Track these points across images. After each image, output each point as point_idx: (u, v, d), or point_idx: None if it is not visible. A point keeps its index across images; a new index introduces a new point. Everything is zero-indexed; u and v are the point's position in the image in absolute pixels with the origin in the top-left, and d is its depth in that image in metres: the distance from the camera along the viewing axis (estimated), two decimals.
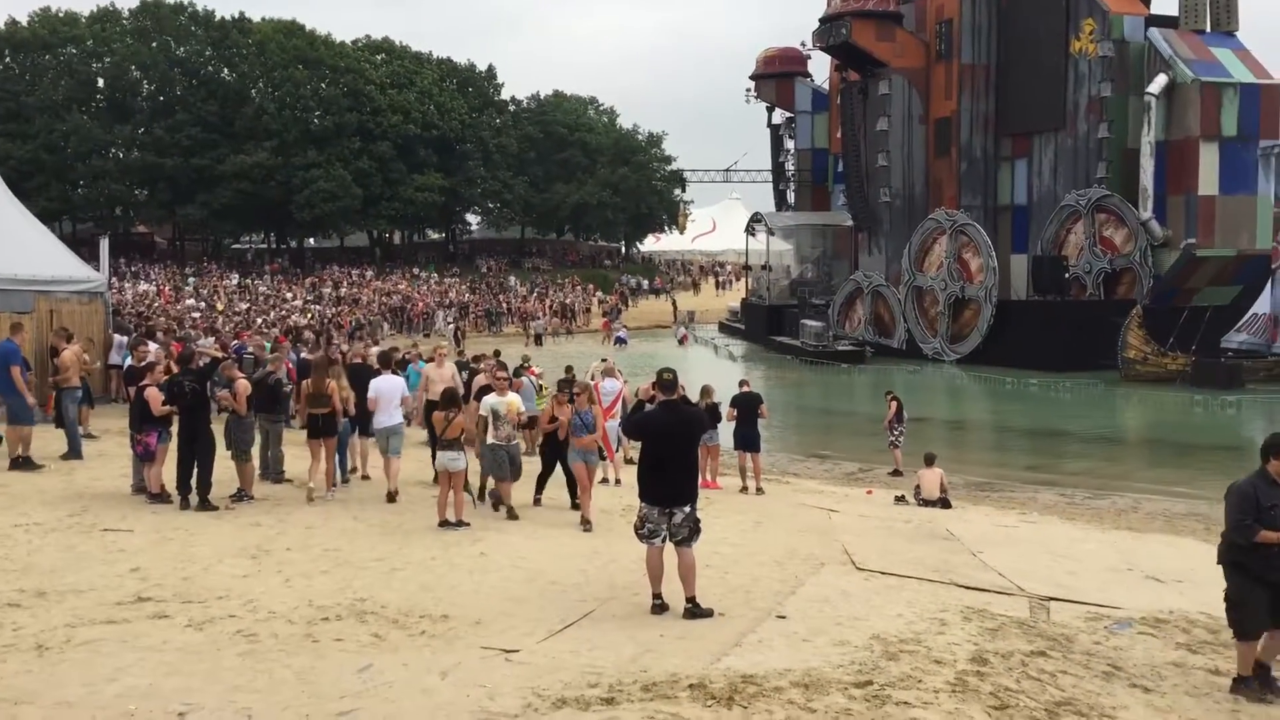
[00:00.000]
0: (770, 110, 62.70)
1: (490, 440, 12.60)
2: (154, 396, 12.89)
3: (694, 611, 8.48)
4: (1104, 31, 41.58)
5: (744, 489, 16.96)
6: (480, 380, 15.24)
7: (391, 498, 13.46)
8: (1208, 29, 41.40)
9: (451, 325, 54.52)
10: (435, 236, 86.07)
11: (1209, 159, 39.28)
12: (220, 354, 18.83)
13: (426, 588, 9.06)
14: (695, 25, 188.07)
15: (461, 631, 7.70)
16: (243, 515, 12.27)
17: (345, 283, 66.40)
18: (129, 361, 17.07)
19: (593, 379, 18.61)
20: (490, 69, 79.57)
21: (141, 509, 12.29)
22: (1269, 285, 37.12)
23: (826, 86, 58.19)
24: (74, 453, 15.78)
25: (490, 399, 12.75)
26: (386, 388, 13.88)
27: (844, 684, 6.53)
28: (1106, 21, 41.60)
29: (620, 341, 53.12)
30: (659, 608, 8.59)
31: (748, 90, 62.51)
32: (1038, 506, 18.08)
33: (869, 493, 18.58)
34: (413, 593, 8.82)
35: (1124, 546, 13.67)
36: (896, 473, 21.31)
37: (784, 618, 8.56)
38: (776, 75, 60.24)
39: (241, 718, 5.58)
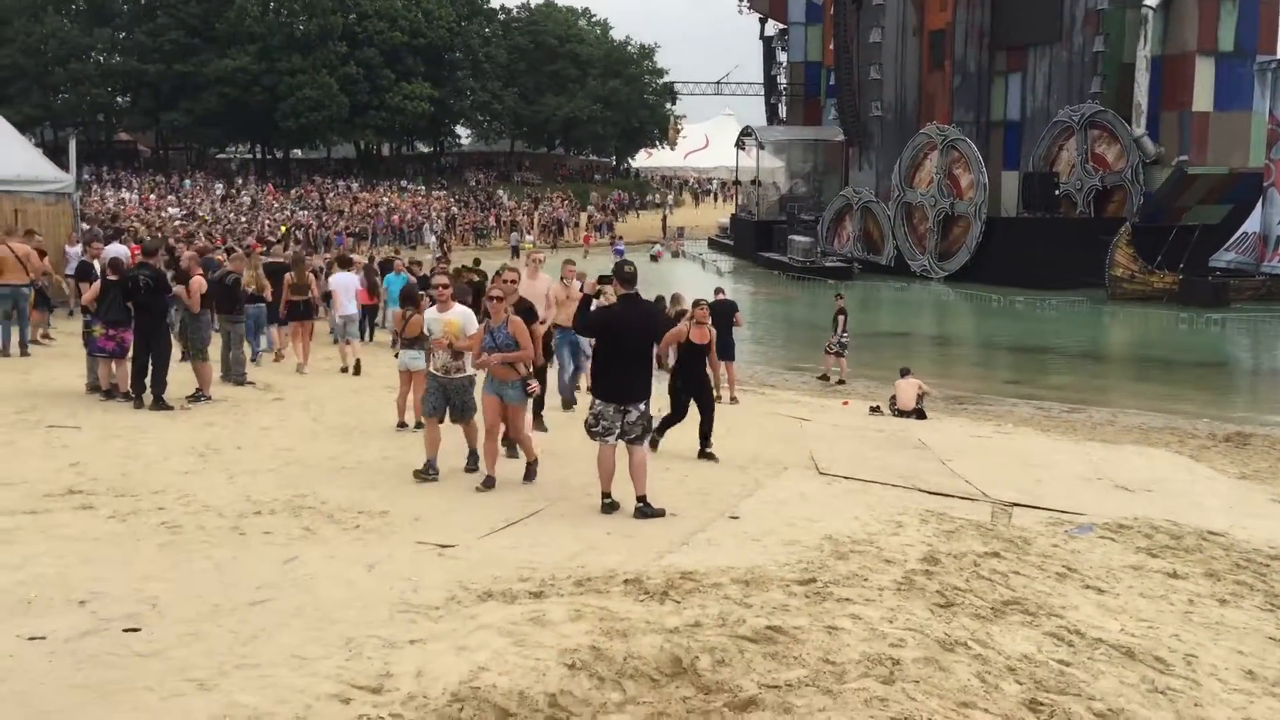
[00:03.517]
0: (763, 22, 61.44)
1: (430, 369, 9.91)
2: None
3: (644, 511, 8.28)
4: None
5: (718, 398, 16.68)
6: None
7: (356, 369, 15.40)
8: None
9: (434, 238, 53.93)
10: (424, 149, 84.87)
11: (1204, 74, 38.54)
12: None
13: (372, 485, 8.85)
14: None
15: (398, 527, 7.50)
16: (198, 415, 12.02)
17: (331, 194, 65.63)
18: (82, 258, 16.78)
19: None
20: None
21: (93, 407, 12.03)
22: (1260, 204, 36.66)
23: None
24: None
25: (429, 314, 10.00)
26: (343, 283, 14.95)
27: (786, 581, 6.33)
28: None
29: (619, 254, 52.69)
30: (609, 507, 8.39)
31: (740, 1, 61.20)
32: (1014, 419, 17.93)
33: (845, 404, 18.42)
34: (357, 489, 8.61)
35: (1096, 457, 13.51)
36: (841, 382, 21.53)
37: (736, 518, 8.37)
38: None
39: (145, 606, 5.36)
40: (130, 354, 12.44)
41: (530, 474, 9.43)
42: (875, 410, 17.18)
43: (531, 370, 9.50)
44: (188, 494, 8.10)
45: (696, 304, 12.24)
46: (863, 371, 22.73)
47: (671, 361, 11.92)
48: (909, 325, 33.13)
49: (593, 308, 8.86)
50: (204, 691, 4.39)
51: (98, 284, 12.57)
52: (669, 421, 11.50)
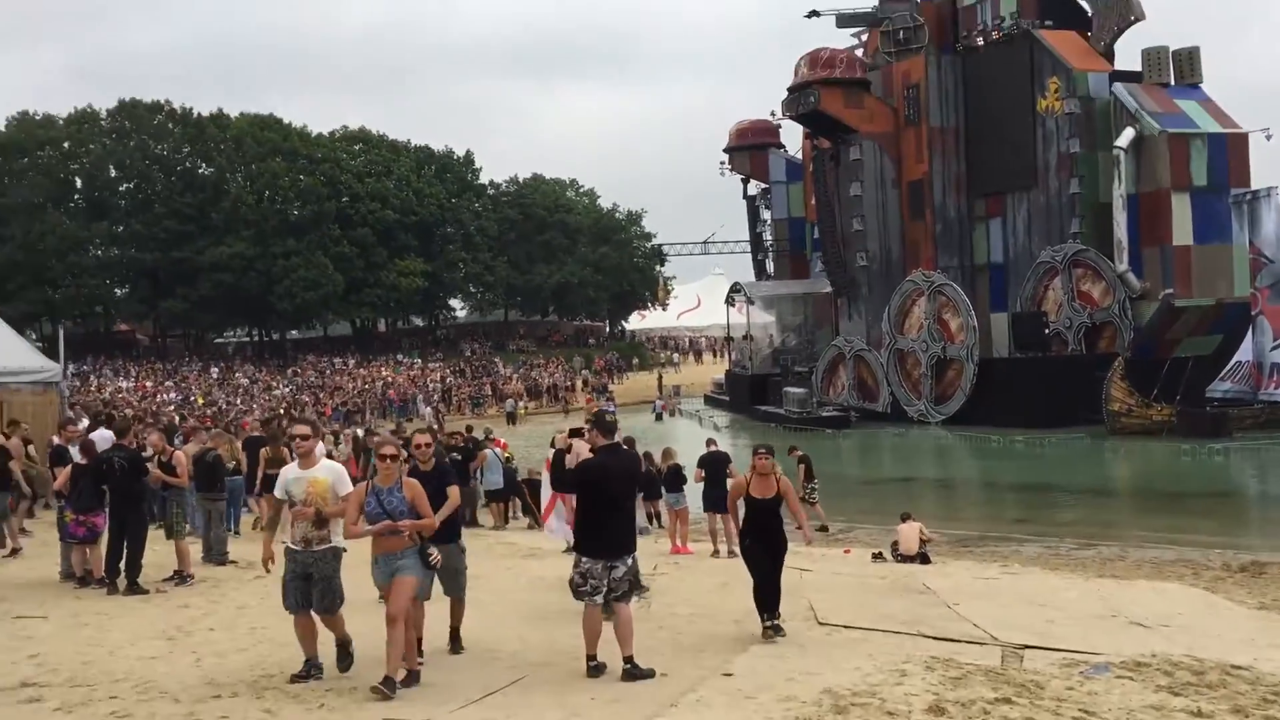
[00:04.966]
0: (745, 183, 62.82)
1: (287, 543, 8.01)
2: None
3: (633, 672, 7.83)
4: (1069, 89, 41.76)
5: (715, 553, 16.28)
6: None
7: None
8: (1172, 82, 41.60)
9: (429, 409, 53.97)
10: (419, 323, 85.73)
11: (1181, 209, 39.18)
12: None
13: None
14: (669, 104, 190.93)
15: (367, 703, 7.05)
16: (173, 598, 11.60)
17: (328, 371, 65.96)
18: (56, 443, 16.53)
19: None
20: (468, 154, 79.98)
21: (64, 595, 11.61)
22: (1250, 332, 36.78)
23: (800, 156, 58.41)
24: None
25: (287, 472, 8.18)
26: None
27: None
28: (1071, 79, 41.79)
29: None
30: (595, 670, 7.94)
31: (722, 163, 62.74)
32: (1021, 559, 17.48)
33: (847, 552, 17.96)
34: (327, 665, 8.15)
35: (1107, 593, 13.01)
36: (825, 528, 21.01)
37: (730, 675, 7.91)
38: (750, 147, 60.46)
39: None
40: (104, 538, 12.11)
41: (413, 679, 7.68)
42: (878, 557, 16.72)
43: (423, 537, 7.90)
44: (148, 680, 7.67)
45: (756, 452, 9.95)
46: (865, 518, 22.34)
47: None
48: (910, 470, 32.80)
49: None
50: None
51: (69, 469, 12.31)
52: (760, 594, 9.59)
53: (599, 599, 8.00)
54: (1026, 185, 43.59)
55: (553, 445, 8.73)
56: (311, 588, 7.79)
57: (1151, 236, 39.54)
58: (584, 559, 8.09)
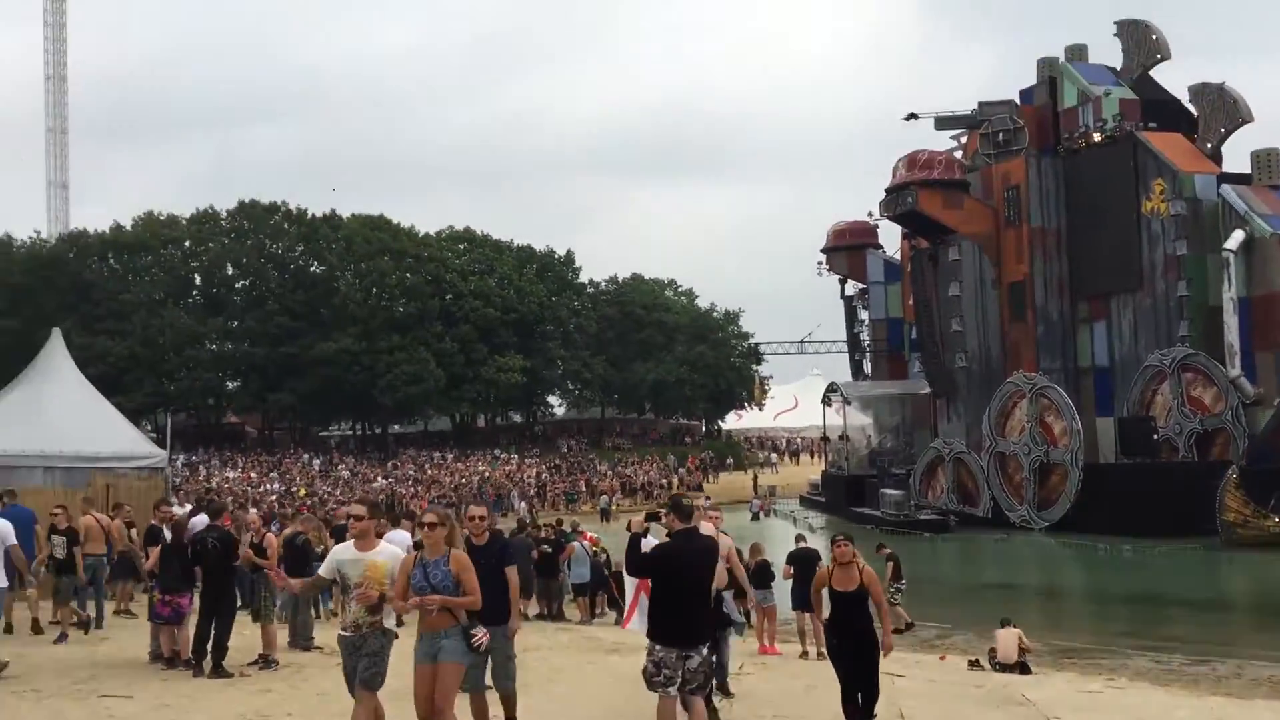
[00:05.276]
0: (843, 283, 62.74)
1: (339, 630, 7.88)
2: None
3: None
4: (1175, 191, 41.08)
5: (804, 654, 15.86)
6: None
7: None
8: None
9: (523, 504, 54.17)
10: (517, 419, 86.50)
11: None
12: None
13: None
14: (767, 204, 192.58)
15: None
16: (257, 681, 11.65)
17: (426, 465, 66.77)
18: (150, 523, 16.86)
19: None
20: (569, 254, 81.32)
21: (151, 677, 11.74)
22: None
23: (898, 257, 58.23)
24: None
25: (338, 552, 7.89)
26: (397, 539, 15.02)
27: None
28: (1177, 181, 41.13)
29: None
30: None
31: (820, 263, 62.81)
32: (1128, 672, 16.68)
33: (942, 658, 17.37)
34: None
35: (1222, 713, 12.31)
36: (910, 625, 20.86)
37: None
38: (848, 247, 60.49)
39: None
40: (189, 619, 12.28)
41: None
42: (974, 665, 16.13)
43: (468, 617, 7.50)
44: None
45: (835, 541, 9.71)
46: (962, 624, 21.61)
47: (826, 613, 10.05)
48: (1010, 577, 31.74)
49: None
50: None
51: (159, 549, 12.57)
52: (847, 697, 9.36)
53: (673, 690, 7.80)
54: (1132, 287, 42.77)
55: (629, 529, 8.64)
56: (358, 661, 7.56)
57: (1265, 340, 38.34)
58: (657, 647, 7.90)
